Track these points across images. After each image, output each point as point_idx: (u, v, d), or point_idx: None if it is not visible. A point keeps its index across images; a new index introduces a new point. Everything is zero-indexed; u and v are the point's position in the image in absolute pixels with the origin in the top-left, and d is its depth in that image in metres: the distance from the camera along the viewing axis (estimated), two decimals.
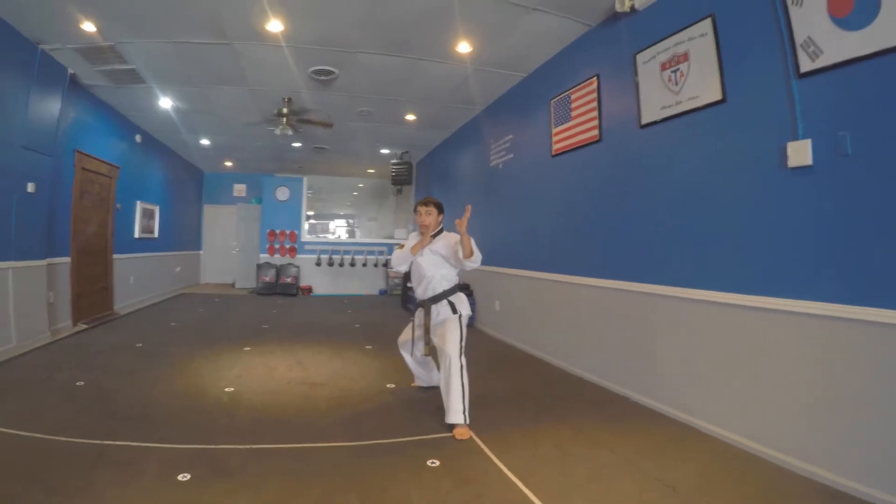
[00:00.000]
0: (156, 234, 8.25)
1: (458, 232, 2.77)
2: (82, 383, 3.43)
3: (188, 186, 10.64)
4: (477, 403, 2.93)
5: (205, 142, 8.53)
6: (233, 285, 11.03)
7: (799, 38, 2.35)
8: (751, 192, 2.59)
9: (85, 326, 5.45)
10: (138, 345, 4.76)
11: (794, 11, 2.37)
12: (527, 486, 2.15)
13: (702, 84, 2.87)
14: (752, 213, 2.58)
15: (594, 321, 3.84)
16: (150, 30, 4.10)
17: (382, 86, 5.51)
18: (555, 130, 4.50)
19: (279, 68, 4.94)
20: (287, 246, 10.53)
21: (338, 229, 14.24)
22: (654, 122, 3.24)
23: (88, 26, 3.99)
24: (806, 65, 2.33)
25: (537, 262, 4.77)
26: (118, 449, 2.40)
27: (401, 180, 9.39)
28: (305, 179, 10.94)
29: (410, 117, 6.82)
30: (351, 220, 14.50)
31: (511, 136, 5.52)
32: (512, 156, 5.50)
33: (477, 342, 5.30)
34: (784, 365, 2.39)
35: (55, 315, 4.96)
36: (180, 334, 5.45)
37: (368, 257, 10.64)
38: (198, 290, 10.10)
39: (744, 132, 2.64)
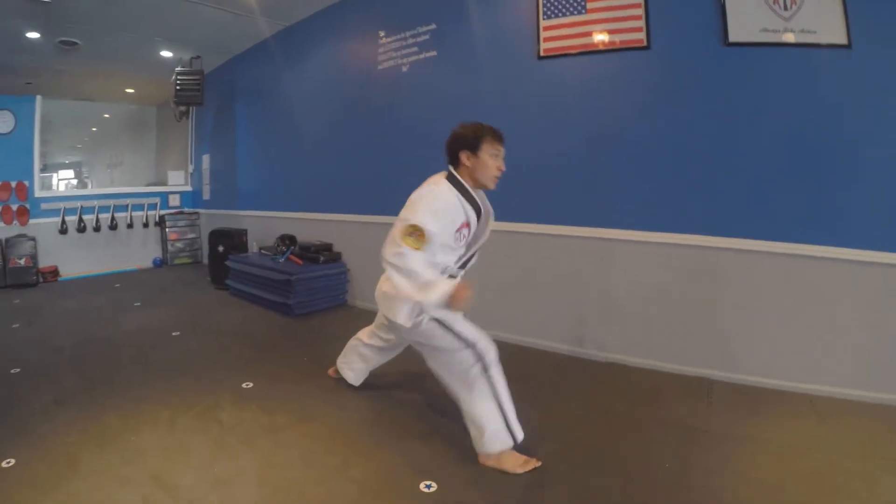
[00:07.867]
0: None
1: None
2: None
3: None
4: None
5: None
6: None
7: None
8: None
9: None
10: None
11: None
12: None
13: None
14: None
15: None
16: None
17: None
18: (546, 24, 3.10)
19: None
20: (14, 207, 6.06)
21: (61, 184, 9.23)
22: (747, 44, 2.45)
23: None
24: None
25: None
26: None
27: (188, 98, 6.18)
28: (39, 99, 6.30)
29: None
30: (82, 170, 9.55)
31: (434, 27, 3.80)
32: (435, 53, 3.81)
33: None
34: None
35: None
36: None
37: (135, 213, 7.08)
38: None
39: None
